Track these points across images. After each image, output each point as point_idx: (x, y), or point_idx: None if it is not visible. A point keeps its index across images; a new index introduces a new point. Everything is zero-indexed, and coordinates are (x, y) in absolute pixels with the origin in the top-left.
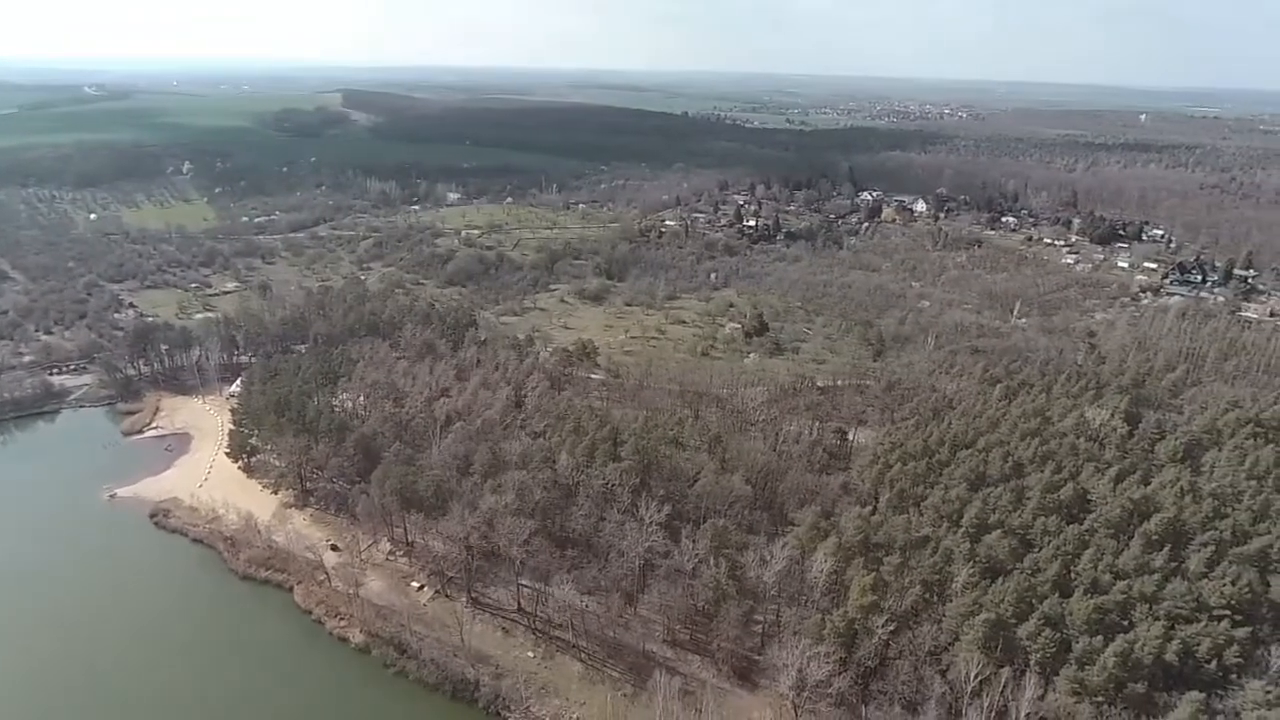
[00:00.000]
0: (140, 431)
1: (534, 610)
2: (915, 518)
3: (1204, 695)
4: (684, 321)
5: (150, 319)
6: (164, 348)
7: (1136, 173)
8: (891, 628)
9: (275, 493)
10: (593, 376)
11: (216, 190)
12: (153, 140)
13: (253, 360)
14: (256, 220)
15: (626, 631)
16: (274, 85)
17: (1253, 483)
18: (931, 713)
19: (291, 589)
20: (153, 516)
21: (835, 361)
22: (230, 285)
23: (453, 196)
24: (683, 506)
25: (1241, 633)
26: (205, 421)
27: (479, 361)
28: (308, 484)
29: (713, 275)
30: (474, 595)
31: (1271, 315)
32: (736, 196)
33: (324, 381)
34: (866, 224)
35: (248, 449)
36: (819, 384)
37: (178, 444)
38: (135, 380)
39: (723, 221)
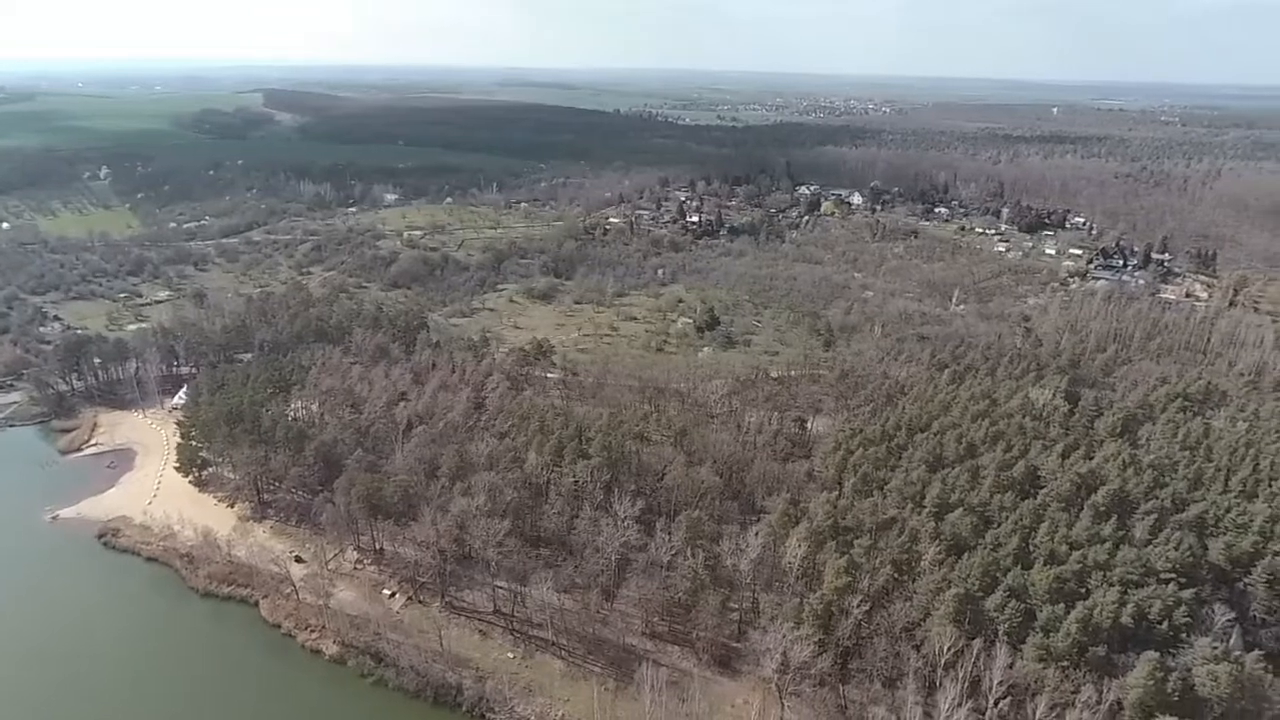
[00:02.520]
0: (79, 449)
1: (511, 611)
2: (880, 501)
3: (1158, 654)
4: (635, 318)
5: (80, 332)
6: (97, 361)
7: (1055, 163)
8: (866, 607)
9: (231, 506)
10: (549, 375)
11: (138, 196)
12: (64, 145)
13: (194, 371)
14: (185, 226)
15: (605, 627)
16: (187, 85)
17: (1186, 453)
18: (909, 686)
19: (257, 604)
20: (100, 537)
21: (788, 353)
22: (162, 294)
23: (390, 197)
24: (654, 500)
25: (1187, 594)
26: (148, 436)
27: (435, 364)
28: (265, 496)
29: (660, 271)
30: (449, 599)
31: (1188, 296)
32: (678, 193)
33: (276, 390)
34: (806, 218)
35: (198, 462)
36: (773, 375)
37: (120, 460)
38: (69, 396)
39: (666, 218)
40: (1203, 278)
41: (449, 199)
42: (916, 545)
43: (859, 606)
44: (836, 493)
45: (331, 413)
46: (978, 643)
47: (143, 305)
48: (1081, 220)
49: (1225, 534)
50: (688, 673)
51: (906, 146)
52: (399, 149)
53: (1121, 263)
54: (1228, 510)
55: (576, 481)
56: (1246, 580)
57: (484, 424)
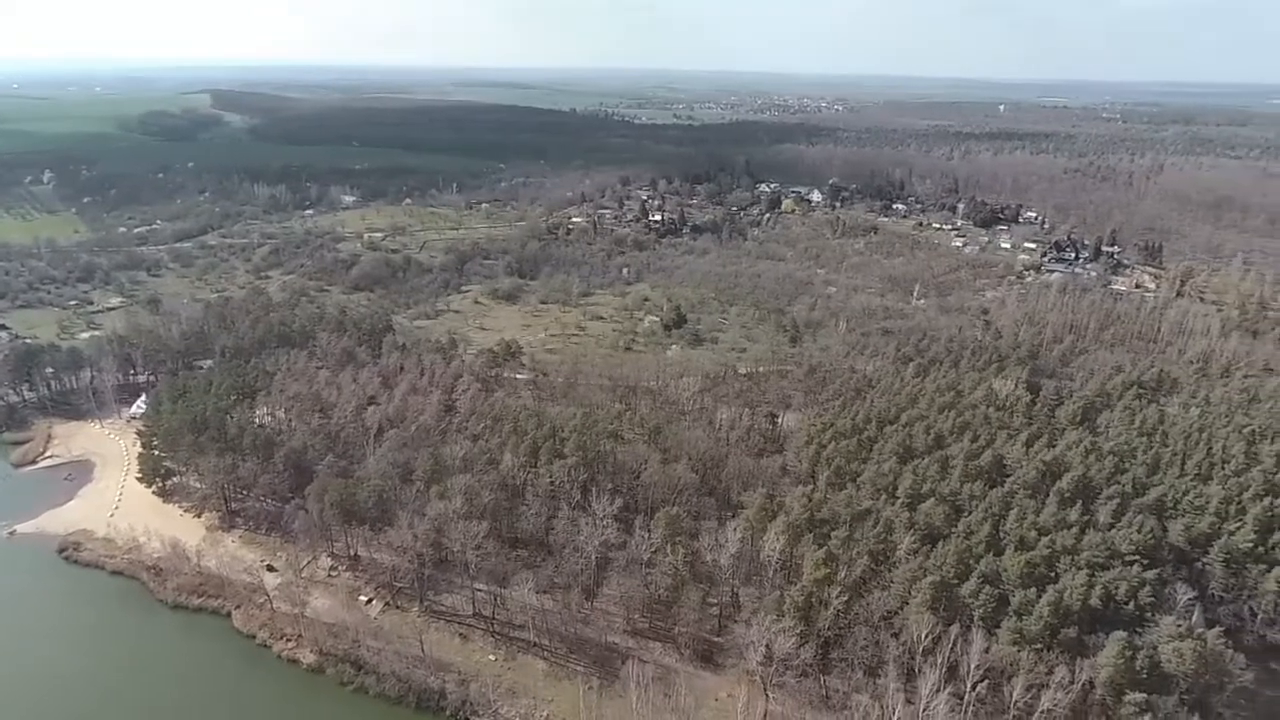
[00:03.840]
0: (33, 462)
1: (491, 614)
2: (854, 493)
3: (1126, 634)
4: (602, 317)
5: (29, 341)
6: (49, 371)
7: (1006, 159)
8: (845, 598)
9: (198, 516)
10: (519, 376)
11: (85, 200)
12: (3, 149)
13: (153, 379)
14: (136, 231)
15: (587, 626)
16: (130, 86)
17: (1143, 439)
18: (890, 674)
19: (229, 614)
20: (62, 551)
21: (755, 349)
22: (115, 301)
23: (348, 199)
24: (631, 498)
25: (1150, 575)
26: (107, 447)
27: (403, 367)
28: (234, 504)
29: (625, 270)
30: (428, 604)
31: (1137, 287)
32: (639, 192)
33: (240, 397)
34: (767, 215)
35: (162, 472)
36: (742, 372)
37: (78, 472)
38: (20, 408)
39: (629, 217)
40: (1150, 269)
41: (408, 200)
42: (891, 535)
43: (838, 597)
44: (811, 486)
45: (300, 418)
46: (954, 629)
47: (95, 312)
48: (1034, 215)
49: (1183, 516)
50: (672, 669)
51: (861, 144)
52: (354, 150)
53: (1073, 256)
54: (1185, 493)
55: (553, 482)
56: (1205, 560)
57: (457, 426)
